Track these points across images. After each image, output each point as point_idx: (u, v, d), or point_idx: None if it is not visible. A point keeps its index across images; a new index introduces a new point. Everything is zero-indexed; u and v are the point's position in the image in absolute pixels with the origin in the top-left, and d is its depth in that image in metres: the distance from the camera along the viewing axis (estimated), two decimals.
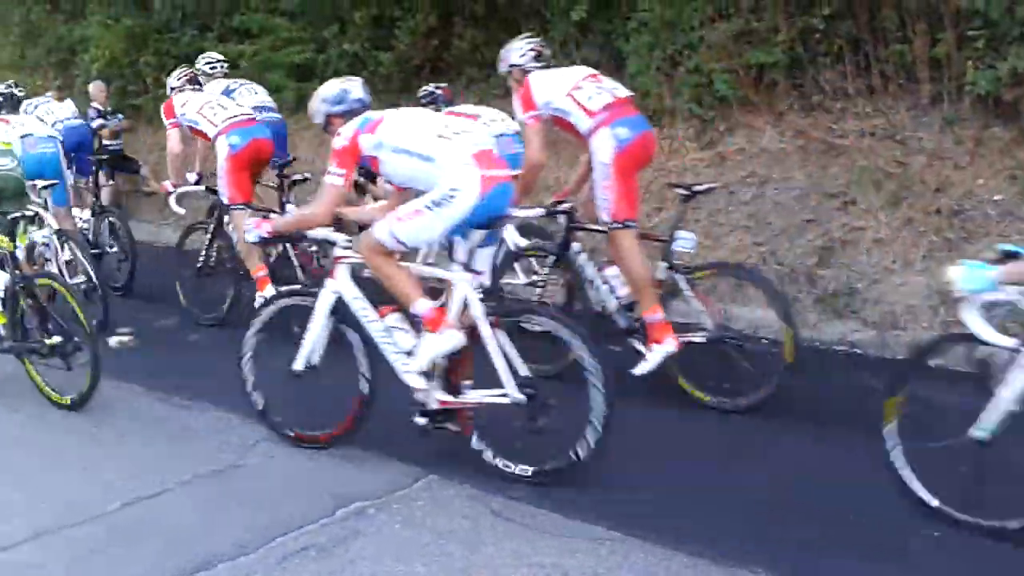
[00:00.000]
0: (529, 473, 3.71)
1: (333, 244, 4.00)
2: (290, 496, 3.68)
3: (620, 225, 4.47)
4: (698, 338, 4.47)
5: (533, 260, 5.23)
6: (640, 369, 4.46)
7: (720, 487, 3.66)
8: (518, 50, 4.94)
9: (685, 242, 4.54)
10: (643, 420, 4.08)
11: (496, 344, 3.66)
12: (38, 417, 4.71)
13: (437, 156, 3.68)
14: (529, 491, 3.64)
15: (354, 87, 4.12)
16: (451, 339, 3.71)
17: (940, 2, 5.71)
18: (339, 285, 3.96)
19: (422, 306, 3.79)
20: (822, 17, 6.02)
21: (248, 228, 4.27)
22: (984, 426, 3.15)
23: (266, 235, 4.11)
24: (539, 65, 4.84)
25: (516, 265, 5.36)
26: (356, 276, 4.01)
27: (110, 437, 4.43)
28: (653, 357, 4.44)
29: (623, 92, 4.68)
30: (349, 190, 4.28)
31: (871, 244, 5.70)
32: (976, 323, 3.12)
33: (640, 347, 4.54)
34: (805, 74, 6.36)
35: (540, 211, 4.72)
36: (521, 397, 3.63)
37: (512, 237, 4.26)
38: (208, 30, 10.24)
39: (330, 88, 4.13)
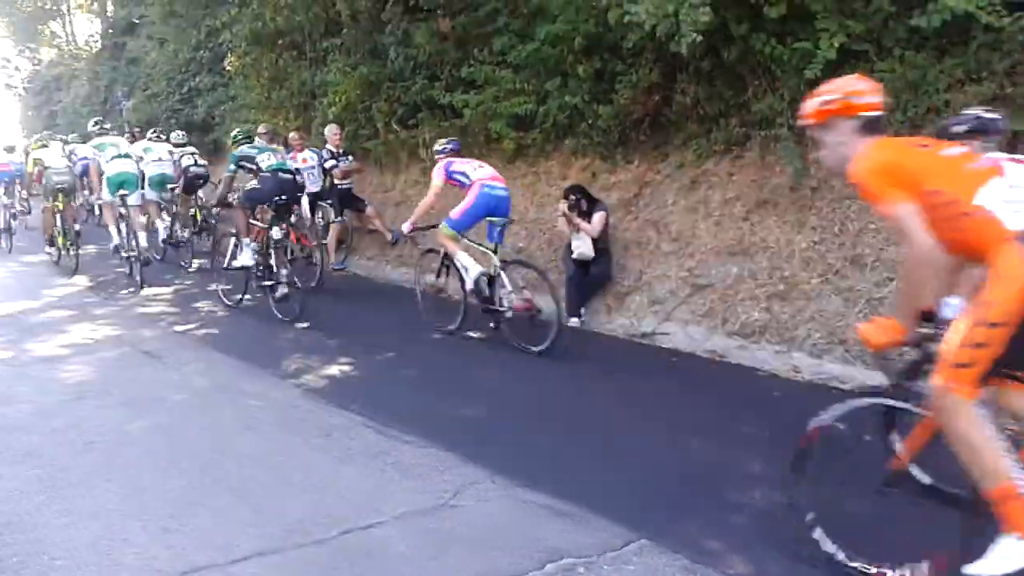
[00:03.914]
0: None
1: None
2: (501, 543, 3.67)
3: None
4: None
5: None
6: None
7: None
8: None
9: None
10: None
11: None
12: (268, 438, 5.01)
13: None
14: (747, 569, 3.46)
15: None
16: None
17: None
18: None
19: None
20: None
21: None
22: None
23: None
24: None
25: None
26: None
27: (329, 464, 4.61)
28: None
29: None
30: None
31: None
32: None
33: None
34: None
35: None
36: None
37: None
38: (437, 79, 10.73)
39: None
